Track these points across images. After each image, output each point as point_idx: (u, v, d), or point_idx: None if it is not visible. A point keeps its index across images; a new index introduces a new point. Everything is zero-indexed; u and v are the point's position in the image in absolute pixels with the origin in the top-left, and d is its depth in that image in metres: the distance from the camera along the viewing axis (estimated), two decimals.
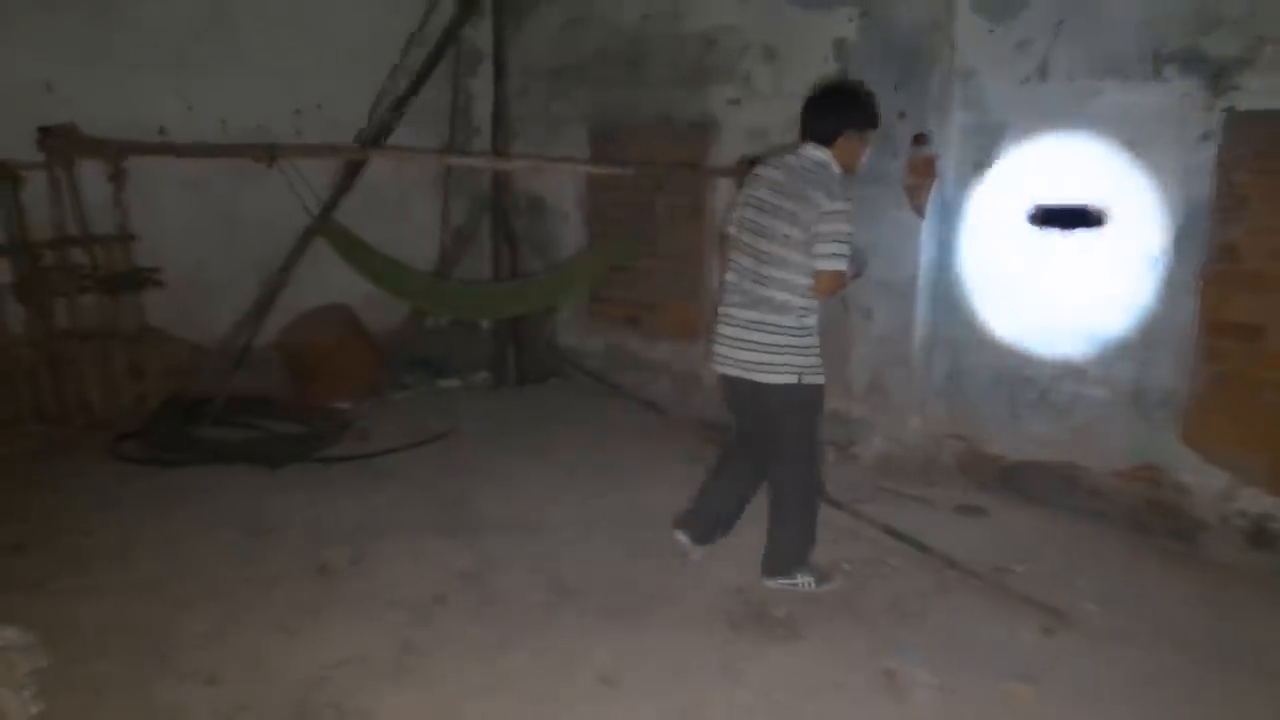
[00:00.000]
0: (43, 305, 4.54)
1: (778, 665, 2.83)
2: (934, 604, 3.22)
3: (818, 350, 3.13)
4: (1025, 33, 3.89)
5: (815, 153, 3.09)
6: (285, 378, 5.30)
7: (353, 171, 4.93)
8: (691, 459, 4.59)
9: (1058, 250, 3.93)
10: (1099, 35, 3.69)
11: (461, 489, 4.14)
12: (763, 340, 3.08)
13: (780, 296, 3.05)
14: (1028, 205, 4.00)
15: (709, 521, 3.47)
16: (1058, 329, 3.97)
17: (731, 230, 3.23)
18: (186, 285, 5.05)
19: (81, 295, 4.64)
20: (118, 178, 4.67)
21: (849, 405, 4.49)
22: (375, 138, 5.17)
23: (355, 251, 4.64)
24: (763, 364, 3.08)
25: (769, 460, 3.27)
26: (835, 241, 2.96)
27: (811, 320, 3.10)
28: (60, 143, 4.48)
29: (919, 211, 4.18)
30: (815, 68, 4.45)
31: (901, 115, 4.12)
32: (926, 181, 4.14)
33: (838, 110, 3.12)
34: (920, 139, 4.11)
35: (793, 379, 3.07)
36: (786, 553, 3.27)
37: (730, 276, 3.20)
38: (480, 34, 6.01)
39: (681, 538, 3.49)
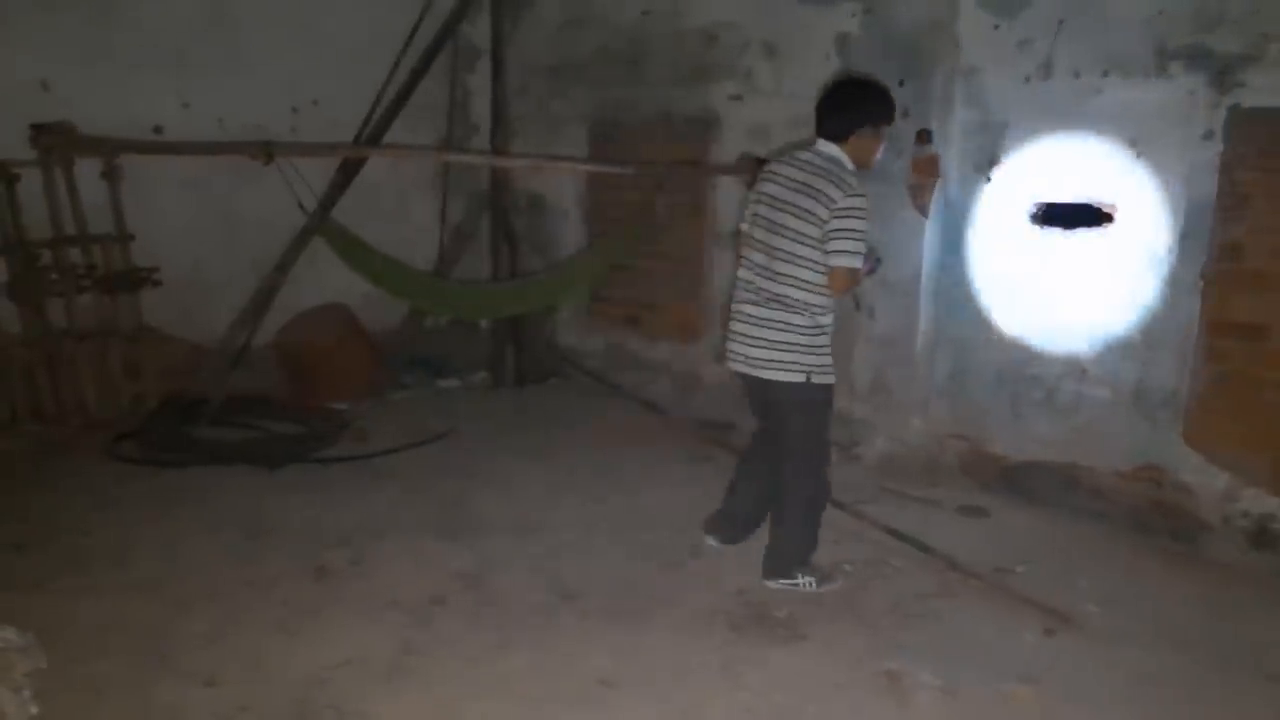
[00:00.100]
0: (39, 305, 4.53)
1: (779, 666, 2.82)
2: (936, 605, 3.21)
3: (829, 350, 3.12)
4: (1028, 30, 3.88)
5: (829, 149, 3.07)
6: (284, 378, 5.28)
7: (350, 170, 4.91)
8: (692, 459, 4.58)
9: (1060, 249, 3.92)
10: (1103, 32, 3.68)
11: (461, 489, 4.12)
12: (773, 338, 3.07)
13: (794, 293, 3.04)
14: (1030, 204, 3.99)
15: (736, 523, 3.46)
16: (1060, 328, 3.96)
17: (745, 227, 3.22)
18: (184, 285, 5.03)
19: (79, 295, 4.63)
20: (112, 175, 4.67)
21: (851, 405, 4.48)
22: (373, 136, 5.15)
23: (353, 251, 4.63)
24: (772, 361, 3.08)
25: (778, 459, 3.26)
26: (849, 238, 2.95)
27: (827, 319, 3.10)
28: (54, 140, 4.47)
29: (922, 211, 4.17)
30: (817, 64, 4.43)
31: (904, 114, 4.10)
32: (930, 181, 4.13)
33: (852, 106, 3.09)
34: (923, 136, 4.10)
35: (801, 378, 3.06)
36: (788, 554, 3.26)
37: (743, 273, 3.20)
38: (478, 30, 5.99)
39: (711, 542, 3.51)
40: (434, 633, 2.94)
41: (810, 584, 3.25)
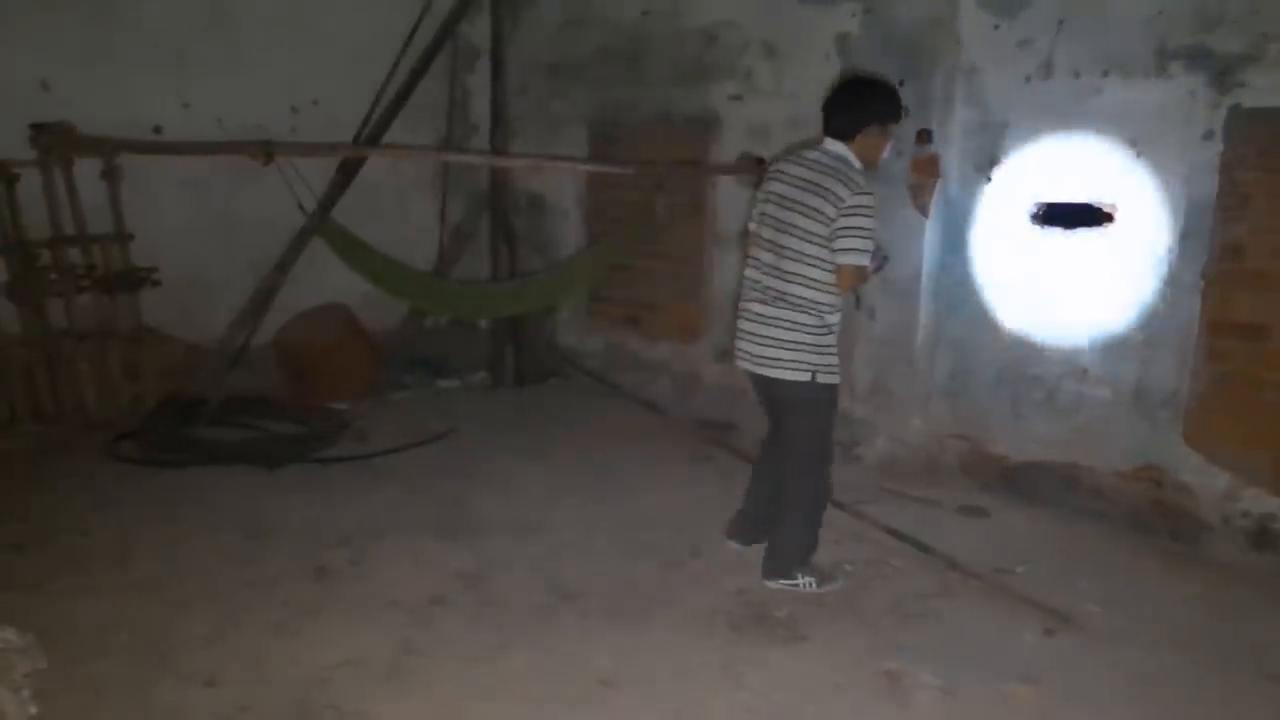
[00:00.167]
0: (39, 305, 4.52)
1: (779, 667, 2.81)
2: (936, 605, 3.21)
3: (835, 350, 3.13)
4: (1029, 29, 3.87)
5: (836, 147, 3.08)
6: (283, 378, 5.28)
7: (349, 170, 4.91)
8: (692, 459, 4.58)
9: (1061, 249, 3.92)
10: (1103, 32, 3.68)
11: (461, 490, 4.12)
12: (780, 336, 3.08)
13: (802, 292, 3.04)
14: (1031, 204, 3.98)
15: (753, 524, 3.47)
16: (1061, 328, 3.96)
17: (753, 226, 3.22)
18: (184, 285, 5.02)
19: (78, 295, 4.62)
20: (111, 175, 4.66)
21: (852, 405, 4.47)
22: (373, 136, 5.15)
23: (353, 250, 4.63)
24: (778, 360, 3.09)
25: (782, 458, 3.26)
26: (857, 235, 2.96)
27: (834, 319, 3.10)
28: (53, 140, 4.47)
29: (922, 210, 4.17)
30: (817, 64, 4.43)
31: (905, 113, 4.10)
32: (930, 180, 4.13)
33: (859, 104, 3.10)
34: (923, 136, 4.10)
35: (806, 377, 3.07)
36: (788, 554, 3.26)
37: (751, 273, 3.20)
38: (477, 30, 5.99)
39: (734, 545, 3.51)
40: (434, 633, 2.94)
41: (810, 584, 3.25)
